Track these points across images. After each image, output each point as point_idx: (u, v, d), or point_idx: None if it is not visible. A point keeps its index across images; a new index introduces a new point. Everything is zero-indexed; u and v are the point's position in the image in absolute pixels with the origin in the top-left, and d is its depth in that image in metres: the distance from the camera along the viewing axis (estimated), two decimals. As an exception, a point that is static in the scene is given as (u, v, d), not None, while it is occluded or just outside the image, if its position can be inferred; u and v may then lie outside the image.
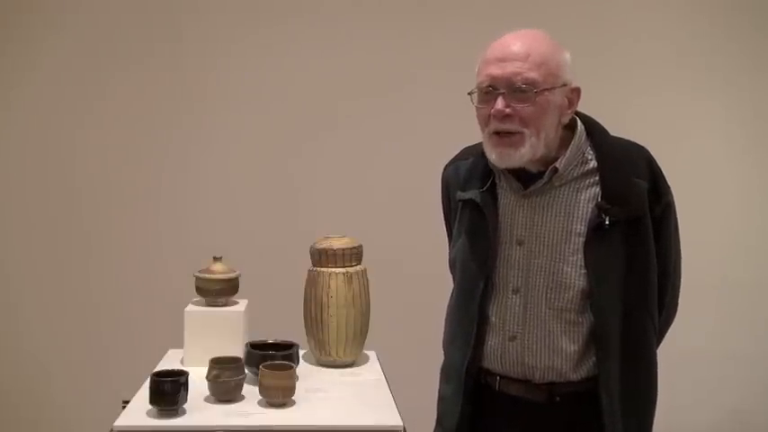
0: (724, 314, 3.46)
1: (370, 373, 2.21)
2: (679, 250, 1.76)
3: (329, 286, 2.19)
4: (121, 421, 1.77)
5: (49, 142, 3.34)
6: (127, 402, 1.88)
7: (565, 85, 1.62)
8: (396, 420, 1.81)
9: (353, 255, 2.24)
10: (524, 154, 1.60)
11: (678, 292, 1.79)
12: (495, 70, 1.59)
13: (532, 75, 1.57)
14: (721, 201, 3.47)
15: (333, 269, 2.21)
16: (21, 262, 3.36)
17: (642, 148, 1.71)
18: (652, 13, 3.43)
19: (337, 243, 2.23)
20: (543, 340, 1.65)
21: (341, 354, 2.21)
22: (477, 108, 1.65)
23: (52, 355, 3.34)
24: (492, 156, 1.64)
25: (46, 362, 3.35)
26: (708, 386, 3.46)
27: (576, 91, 1.65)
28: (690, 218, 3.28)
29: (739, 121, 3.49)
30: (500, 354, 1.70)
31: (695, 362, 3.40)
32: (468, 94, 1.66)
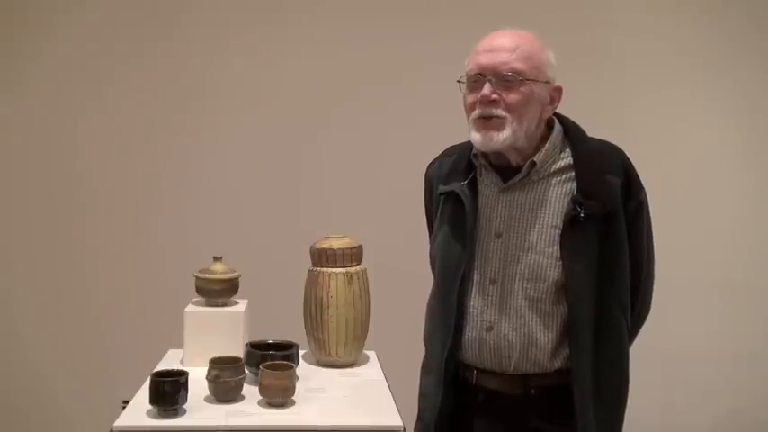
0: (723, 314, 3.45)
1: (370, 373, 2.21)
2: (652, 250, 1.80)
3: (329, 286, 2.19)
4: (121, 421, 1.77)
5: (48, 142, 3.34)
6: (127, 402, 1.88)
7: (548, 82, 1.71)
8: (396, 420, 1.81)
9: (353, 255, 2.25)
10: (506, 138, 1.67)
11: (651, 291, 1.83)
12: (484, 59, 1.69)
13: (519, 65, 1.66)
14: (721, 199, 3.46)
15: (333, 269, 2.21)
16: (21, 262, 3.36)
17: (617, 148, 1.77)
18: (650, 10, 3.43)
19: (337, 243, 2.23)
20: (519, 330, 1.70)
21: (341, 354, 2.22)
22: (465, 96, 1.74)
23: (52, 355, 3.34)
24: (475, 138, 1.71)
25: (46, 362, 3.35)
26: (707, 386, 3.46)
27: (558, 90, 1.74)
28: (689, 217, 3.31)
29: (738, 119, 3.48)
30: (477, 344, 1.75)
31: (694, 361, 3.40)
32: (458, 81, 1.75)
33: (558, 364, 1.70)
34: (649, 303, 1.84)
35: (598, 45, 3.33)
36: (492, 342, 1.72)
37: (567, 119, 1.80)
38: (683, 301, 3.21)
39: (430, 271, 1.94)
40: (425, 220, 2.02)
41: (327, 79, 3.35)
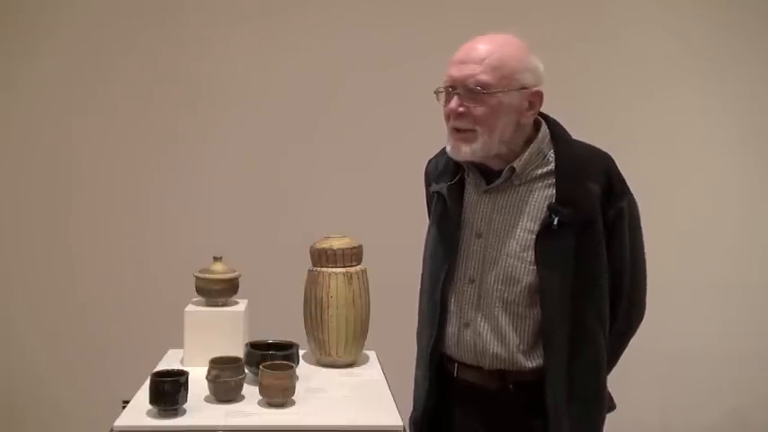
0: (724, 313, 3.45)
1: (370, 373, 2.21)
2: (639, 254, 1.79)
3: (329, 286, 2.19)
4: (121, 421, 1.77)
5: (47, 142, 3.34)
6: (127, 402, 1.89)
7: (524, 88, 1.70)
8: (396, 420, 1.82)
9: (353, 255, 2.25)
10: (476, 150, 1.71)
11: (639, 298, 1.82)
12: (455, 72, 1.72)
13: (484, 77, 1.68)
14: (724, 199, 3.45)
15: (333, 269, 2.21)
16: (20, 261, 3.36)
17: (602, 154, 1.77)
18: (656, 5, 3.42)
19: (337, 243, 2.23)
20: (493, 330, 1.75)
21: (341, 354, 2.22)
22: (443, 106, 1.77)
23: (52, 355, 3.34)
24: (448, 148, 1.77)
25: (46, 362, 3.35)
26: (708, 385, 3.46)
27: (538, 94, 1.73)
28: (691, 217, 3.31)
29: (743, 117, 3.47)
30: (456, 339, 1.80)
31: (695, 361, 3.40)
32: (435, 92, 1.78)
33: (534, 363, 1.72)
34: (642, 308, 1.83)
35: (603, 39, 3.31)
36: (468, 339, 1.77)
37: (554, 122, 1.80)
38: (685, 301, 3.21)
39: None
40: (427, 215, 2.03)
41: (328, 78, 3.35)
